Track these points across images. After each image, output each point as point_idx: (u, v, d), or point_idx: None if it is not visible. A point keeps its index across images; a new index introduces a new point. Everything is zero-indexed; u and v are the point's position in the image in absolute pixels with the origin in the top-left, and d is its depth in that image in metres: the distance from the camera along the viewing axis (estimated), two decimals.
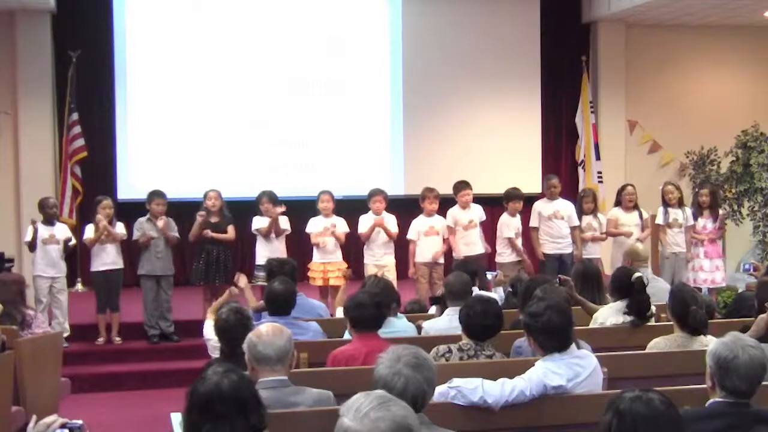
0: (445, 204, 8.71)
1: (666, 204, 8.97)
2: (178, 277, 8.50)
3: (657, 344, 4.64)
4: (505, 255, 8.68)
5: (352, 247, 8.69)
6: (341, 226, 8.35)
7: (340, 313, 5.53)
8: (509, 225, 8.65)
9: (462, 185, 8.62)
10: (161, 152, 10.38)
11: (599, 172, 11.27)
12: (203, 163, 10.39)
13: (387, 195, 8.54)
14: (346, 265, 8.35)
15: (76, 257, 9.25)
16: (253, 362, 3.44)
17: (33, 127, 10.09)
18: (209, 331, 5.16)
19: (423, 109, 10.98)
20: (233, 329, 4.42)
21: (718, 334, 3.45)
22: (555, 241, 8.79)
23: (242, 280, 6.17)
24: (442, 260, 8.52)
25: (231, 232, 8.25)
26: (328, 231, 8.27)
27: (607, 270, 8.00)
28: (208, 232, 8.11)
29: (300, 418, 3.39)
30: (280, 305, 5.09)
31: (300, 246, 8.84)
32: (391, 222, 8.44)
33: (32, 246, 7.96)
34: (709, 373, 3.09)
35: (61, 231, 8.09)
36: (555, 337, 3.69)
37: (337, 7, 10.87)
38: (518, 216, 8.74)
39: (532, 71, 11.30)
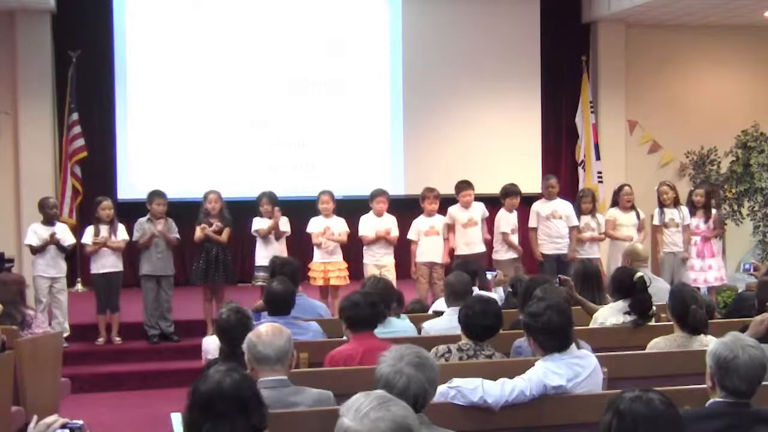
0: (445, 204, 8.72)
1: (662, 204, 8.97)
2: (178, 277, 8.50)
3: (657, 344, 4.64)
4: (501, 252, 8.70)
5: (352, 247, 8.69)
6: (340, 226, 8.35)
7: None
8: (507, 221, 8.67)
9: (464, 185, 8.64)
10: (161, 152, 10.38)
11: (599, 172, 11.27)
12: (203, 163, 10.39)
13: (389, 195, 8.55)
14: (346, 265, 8.36)
15: (76, 257, 9.24)
16: (253, 362, 3.44)
17: (33, 127, 10.09)
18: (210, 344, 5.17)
19: (423, 109, 10.98)
20: (233, 329, 4.43)
21: (718, 334, 3.45)
22: (554, 241, 8.80)
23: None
24: (443, 260, 8.52)
25: (225, 235, 8.22)
26: (329, 232, 8.25)
27: (605, 270, 8.00)
28: (206, 228, 8.10)
29: (300, 418, 3.39)
30: (279, 305, 5.09)
31: (300, 246, 8.84)
32: (391, 224, 8.45)
33: (35, 251, 7.97)
34: (709, 373, 3.09)
35: (61, 231, 8.09)
36: (555, 337, 3.69)
37: (337, 7, 10.87)
38: (515, 212, 8.76)
39: (532, 71, 11.30)
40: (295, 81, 10.68)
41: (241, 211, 8.67)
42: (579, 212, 8.91)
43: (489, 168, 10.62)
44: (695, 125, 11.77)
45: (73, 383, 6.64)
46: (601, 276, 6.21)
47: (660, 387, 2.77)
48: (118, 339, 8.16)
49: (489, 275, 6.83)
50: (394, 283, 6.72)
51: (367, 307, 4.46)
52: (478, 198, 8.78)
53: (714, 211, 9.41)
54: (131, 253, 8.47)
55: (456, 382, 3.56)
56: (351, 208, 8.77)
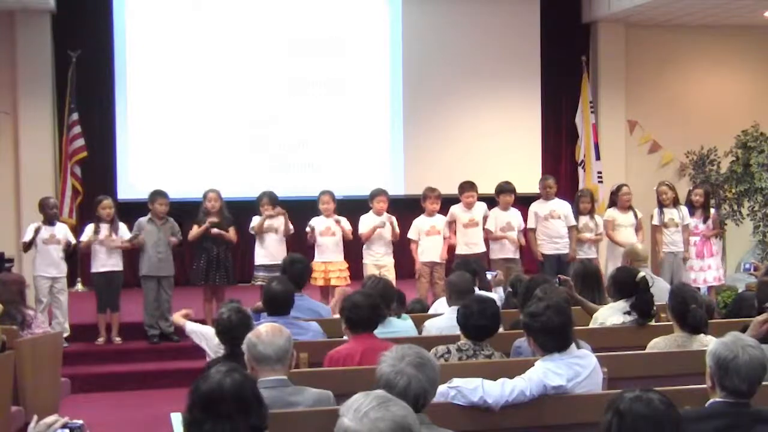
0: (446, 204, 8.72)
1: (661, 204, 8.97)
2: (179, 278, 8.50)
3: (657, 344, 4.64)
4: (495, 251, 8.70)
5: (352, 247, 8.68)
6: (345, 224, 8.37)
7: None
8: (496, 218, 8.68)
9: (467, 186, 8.64)
10: (161, 152, 10.38)
11: (599, 172, 11.27)
12: (203, 163, 10.39)
13: (389, 195, 8.56)
14: (347, 266, 8.37)
15: (76, 257, 9.24)
16: (253, 362, 3.45)
17: (33, 127, 10.09)
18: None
19: (423, 109, 10.98)
20: (234, 329, 4.43)
21: (718, 334, 3.45)
22: (553, 241, 8.80)
23: (177, 316, 5.67)
24: (443, 260, 8.52)
25: (233, 233, 8.25)
26: (337, 224, 8.28)
27: (603, 270, 8.00)
28: (212, 225, 8.09)
29: (300, 417, 3.39)
30: (278, 305, 5.08)
31: (301, 246, 8.82)
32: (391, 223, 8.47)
33: (27, 247, 7.98)
34: (709, 373, 3.09)
35: (62, 231, 8.09)
36: (555, 337, 3.69)
37: (337, 7, 10.87)
38: (512, 210, 8.75)
39: (532, 71, 11.30)
40: (295, 81, 10.68)
41: (241, 211, 8.67)
42: (577, 213, 8.92)
43: (489, 168, 10.61)
44: (695, 125, 11.77)
45: (73, 383, 6.65)
46: (601, 276, 6.21)
47: (660, 387, 2.77)
48: (118, 339, 8.16)
49: (489, 275, 6.84)
50: (394, 283, 6.72)
51: (368, 308, 4.45)
52: (478, 197, 8.77)
53: (713, 210, 9.42)
54: (131, 253, 8.46)
55: (456, 382, 3.56)
56: (351, 208, 8.77)
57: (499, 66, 11.15)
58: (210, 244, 8.17)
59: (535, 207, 8.95)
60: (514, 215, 8.75)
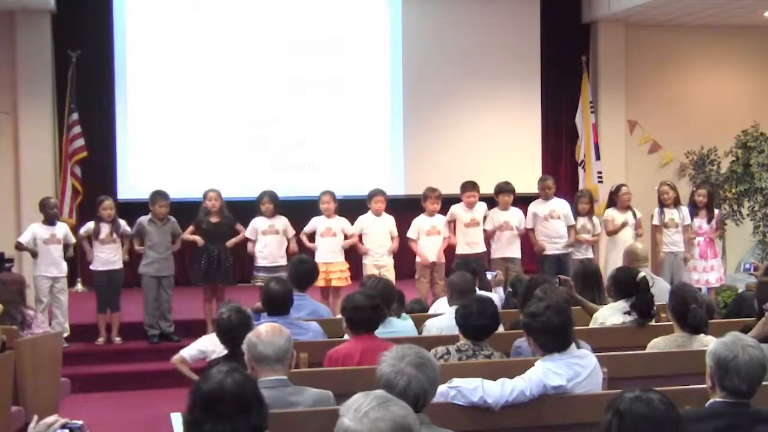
0: (446, 204, 8.72)
1: (662, 204, 8.96)
2: (179, 277, 8.50)
3: (657, 344, 4.64)
4: (495, 251, 8.70)
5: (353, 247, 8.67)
6: (344, 226, 8.37)
7: None
8: (492, 218, 8.69)
9: (469, 186, 8.64)
10: (161, 152, 10.38)
11: (599, 172, 11.27)
12: (203, 163, 10.39)
13: (387, 195, 8.56)
14: (348, 266, 8.37)
15: (76, 257, 9.24)
16: (253, 362, 3.44)
17: (33, 127, 10.08)
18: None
19: (423, 108, 10.98)
20: (235, 329, 4.43)
21: (718, 334, 3.45)
22: (553, 241, 8.79)
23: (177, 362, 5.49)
24: (443, 259, 8.53)
25: (241, 229, 8.28)
26: (354, 237, 8.38)
27: (603, 271, 8.00)
28: (196, 239, 8.18)
29: (300, 417, 3.39)
30: (277, 305, 5.08)
31: (301, 246, 8.82)
32: (390, 223, 8.47)
33: (19, 248, 8.01)
34: (709, 373, 3.09)
35: (62, 231, 8.10)
36: (554, 337, 3.69)
37: (337, 7, 10.87)
38: (511, 209, 8.74)
39: (532, 71, 11.29)
40: (295, 81, 10.67)
41: (241, 211, 8.66)
42: (576, 213, 8.91)
43: (489, 168, 10.60)
44: (695, 125, 11.77)
45: (73, 383, 6.65)
46: (601, 276, 6.21)
47: (660, 387, 2.77)
48: (118, 339, 8.16)
49: (489, 275, 6.84)
50: (393, 283, 6.72)
51: (370, 309, 4.44)
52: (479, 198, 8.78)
53: (717, 211, 9.40)
54: (131, 252, 8.45)
55: (456, 382, 3.56)
56: (351, 208, 8.77)
57: (499, 66, 11.15)
58: (210, 244, 8.18)
59: (534, 207, 8.95)
60: (513, 215, 8.75)
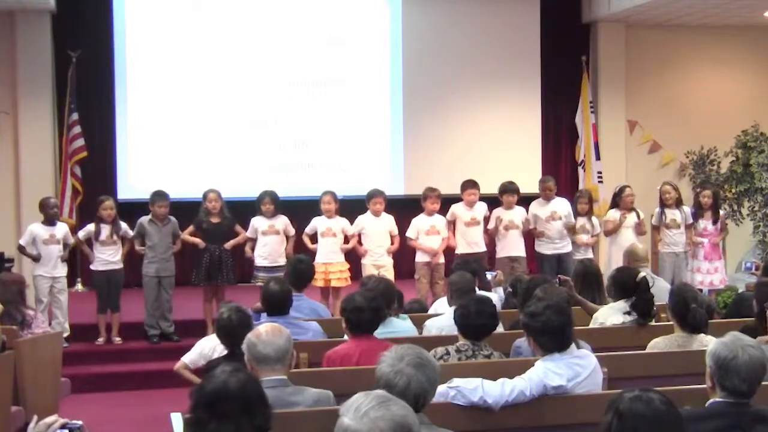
0: (446, 204, 8.72)
1: (663, 204, 8.95)
2: (179, 277, 8.50)
3: (657, 344, 4.64)
4: (500, 249, 8.70)
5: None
6: (345, 227, 8.38)
7: None
8: (496, 218, 8.68)
9: (469, 184, 8.65)
10: (161, 152, 10.38)
11: (599, 172, 11.27)
12: (203, 163, 10.39)
13: (386, 196, 8.56)
14: (348, 266, 8.37)
15: (76, 257, 9.25)
16: (253, 362, 3.44)
17: (33, 127, 10.08)
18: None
19: (423, 108, 10.98)
20: (235, 329, 4.43)
21: (718, 334, 3.45)
22: (553, 242, 8.79)
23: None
24: (442, 259, 8.53)
25: (241, 231, 8.28)
26: (354, 239, 8.38)
27: (604, 271, 8.00)
28: (196, 242, 8.19)
29: (300, 417, 3.39)
30: (276, 305, 5.08)
31: (302, 246, 8.83)
32: (389, 223, 8.47)
33: (21, 250, 8.01)
34: (709, 373, 3.09)
35: (61, 231, 8.10)
36: (554, 337, 3.69)
37: (337, 7, 10.87)
38: (516, 208, 8.74)
39: (532, 71, 11.29)
40: (295, 81, 10.67)
41: (241, 211, 8.66)
42: (575, 213, 8.91)
43: (489, 168, 10.61)
44: (695, 125, 11.77)
45: (73, 383, 6.64)
46: (601, 276, 6.21)
47: (660, 387, 2.77)
48: (118, 339, 8.17)
49: (489, 275, 6.84)
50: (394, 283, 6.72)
51: (369, 311, 4.42)
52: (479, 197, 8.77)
53: (722, 212, 9.37)
54: (131, 253, 8.46)
55: (456, 382, 3.56)
56: (351, 208, 8.77)
57: (499, 66, 11.15)
58: (211, 244, 8.18)
59: (534, 209, 8.93)
60: (517, 214, 8.75)
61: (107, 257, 8.09)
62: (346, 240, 8.42)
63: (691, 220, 8.96)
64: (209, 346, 5.23)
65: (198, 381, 4.90)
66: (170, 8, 10.48)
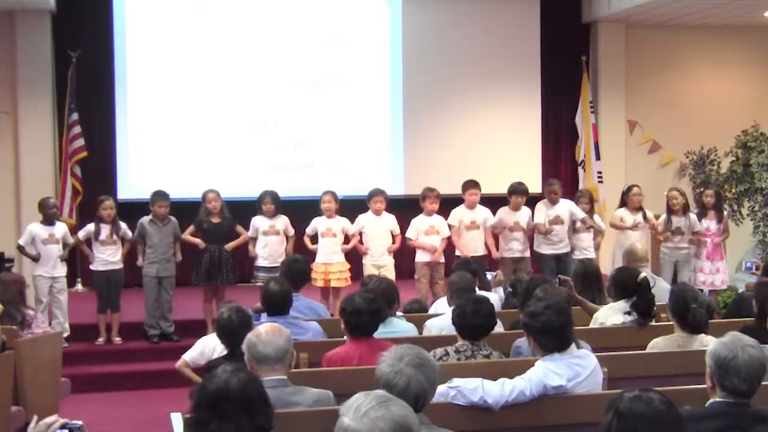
0: (445, 204, 8.72)
1: (670, 211, 8.87)
2: (179, 278, 8.50)
3: (657, 344, 4.64)
4: (504, 250, 8.68)
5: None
6: (345, 227, 8.38)
7: None
8: (501, 218, 8.68)
9: (470, 185, 8.64)
10: (161, 152, 10.38)
11: (599, 172, 11.27)
12: (203, 163, 10.39)
13: (387, 195, 8.56)
14: (348, 266, 8.37)
15: (76, 257, 9.24)
16: (253, 362, 3.44)
17: (33, 127, 10.08)
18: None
19: (423, 109, 10.98)
20: (236, 329, 4.43)
21: (717, 334, 3.45)
22: (554, 244, 8.77)
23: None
24: (442, 259, 8.53)
25: (242, 231, 8.27)
26: (355, 238, 8.38)
27: (608, 270, 8.00)
28: (196, 242, 8.20)
29: (300, 417, 3.39)
30: (276, 305, 5.08)
31: (302, 247, 8.83)
32: (391, 222, 8.47)
33: (23, 252, 8.01)
34: (708, 373, 3.10)
35: (60, 231, 8.10)
36: (554, 337, 3.69)
37: (337, 7, 10.87)
38: (523, 209, 8.72)
39: (532, 71, 11.29)
40: (295, 81, 10.67)
41: (241, 211, 8.66)
42: None
43: (489, 168, 10.62)
44: (695, 125, 11.77)
45: (73, 383, 6.64)
46: (601, 276, 6.21)
47: (660, 387, 2.77)
48: (118, 339, 8.16)
49: (489, 275, 6.84)
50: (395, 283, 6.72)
51: (370, 314, 4.41)
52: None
53: (725, 213, 9.35)
54: (131, 253, 8.46)
55: (456, 382, 3.56)
56: (351, 208, 8.77)
57: (499, 66, 11.15)
58: (211, 244, 8.17)
59: (540, 211, 8.85)
60: (523, 215, 8.72)
61: (107, 257, 8.09)
62: (347, 240, 8.42)
63: (698, 227, 8.87)
64: (210, 345, 5.23)
65: (198, 379, 4.91)
66: (170, 8, 10.48)
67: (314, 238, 8.37)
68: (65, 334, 7.75)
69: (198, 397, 2.67)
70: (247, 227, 8.33)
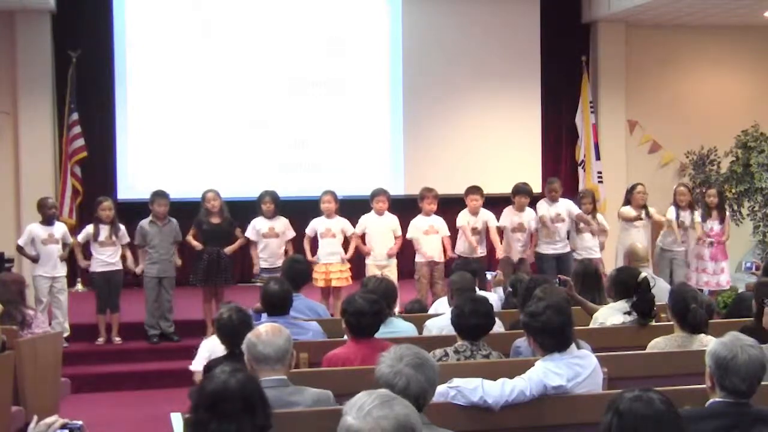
0: (444, 204, 8.71)
1: (677, 205, 9.01)
2: (179, 278, 8.50)
3: (657, 344, 4.64)
4: (507, 251, 8.67)
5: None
6: (345, 227, 8.37)
7: None
8: (505, 218, 8.68)
9: (472, 190, 8.62)
10: (161, 152, 10.38)
11: (599, 172, 11.27)
12: (203, 163, 10.39)
13: (389, 195, 8.55)
14: (348, 266, 8.36)
15: (76, 257, 9.23)
16: (253, 362, 3.44)
17: (33, 127, 10.08)
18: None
19: (423, 109, 10.98)
20: (236, 329, 4.42)
21: (718, 334, 3.45)
22: (554, 243, 8.78)
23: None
24: (442, 259, 8.53)
25: (240, 234, 8.27)
26: (355, 239, 8.36)
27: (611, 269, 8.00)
28: (195, 245, 8.20)
29: (299, 417, 3.39)
30: (276, 305, 5.07)
31: (302, 249, 8.82)
32: (393, 223, 8.46)
33: (22, 252, 8.01)
34: (708, 373, 3.10)
35: (60, 231, 8.09)
36: (554, 337, 3.69)
37: (337, 7, 10.87)
38: (528, 210, 8.72)
39: (532, 71, 11.29)
40: (295, 81, 10.67)
41: (241, 211, 8.66)
42: None
43: (489, 168, 10.63)
44: (695, 125, 11.77)
45: (73, 383, 6.65)
46: (601, 276, 6.21)
47: (660, 387, 2.77)
48: (118, 339, 8.16)
49: (489, 275, 6.84)
50: (396, 283, 6.71)
51: (372, 315, 4.39)
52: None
53: (728, 213, 9.39)
54: (131, 253, 8.44)
55: (456, 382, 3.56)
56: (351, 208, 8.77)
57: (499, 66, 11.15)
58: (211, 245, 8.17)
59: (541, 210, 8.87)
60: (527, 216, 8.72)
61: (106, 258, 8.09)
62: (346, 240, 8.41)
63: (699, 220, 8.97)
64: (209, 348, 5.21)
65: None
66: (170, 8, 10.48)
67: (314, 244, 8.34)
68: (65, 334, 7.75)
69: (197, 398, 2.68)
70: (247, 227, 8.32)
